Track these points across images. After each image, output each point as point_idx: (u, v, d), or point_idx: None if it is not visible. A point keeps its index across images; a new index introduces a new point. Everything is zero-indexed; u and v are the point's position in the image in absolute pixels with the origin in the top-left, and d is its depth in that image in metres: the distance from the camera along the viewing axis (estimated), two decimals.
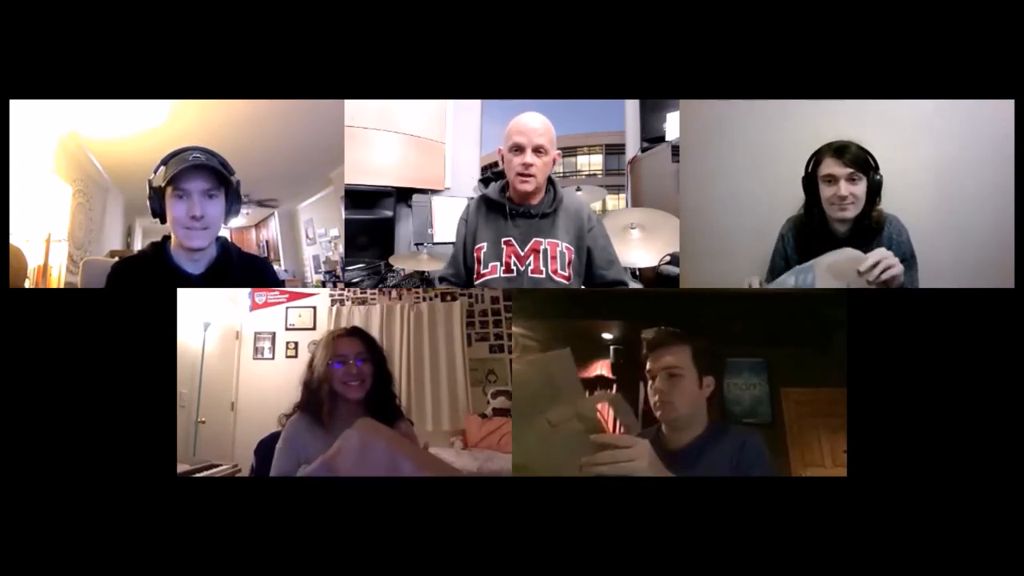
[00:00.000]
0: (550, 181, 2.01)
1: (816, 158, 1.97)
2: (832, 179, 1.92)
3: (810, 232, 2.05)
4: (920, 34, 1.75)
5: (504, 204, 1.99)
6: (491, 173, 2.10)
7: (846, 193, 1.90)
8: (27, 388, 1.64)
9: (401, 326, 3.80)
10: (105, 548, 1.60)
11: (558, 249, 1.96)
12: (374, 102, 3.76)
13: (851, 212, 1.93)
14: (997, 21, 1.73)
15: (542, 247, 1.96)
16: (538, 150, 1.91)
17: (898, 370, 1.69)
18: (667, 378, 1.51)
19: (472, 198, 2.16)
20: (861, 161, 1.90)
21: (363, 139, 3.80)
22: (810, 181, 1.99)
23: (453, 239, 2.16)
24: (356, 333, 1.72)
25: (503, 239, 1.98)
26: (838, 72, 1.79)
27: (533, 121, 1.93)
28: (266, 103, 3.41)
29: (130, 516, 1.62)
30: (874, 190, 1.93)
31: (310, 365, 1.70)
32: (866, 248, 1.97)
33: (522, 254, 1.97)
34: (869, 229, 1.96)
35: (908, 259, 1.96)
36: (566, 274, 1.97)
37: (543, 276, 1.95)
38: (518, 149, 1.91)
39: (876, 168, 1.93)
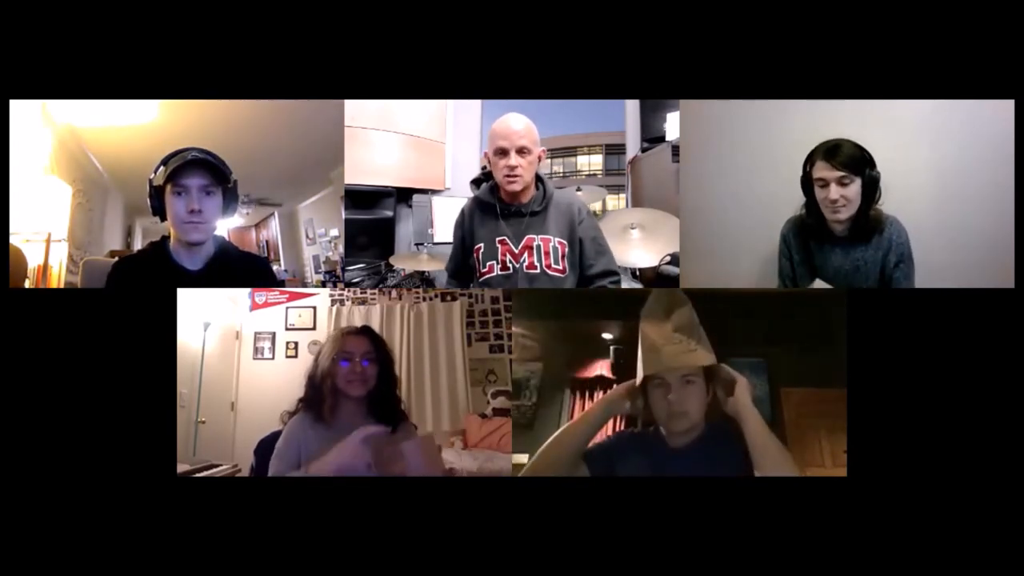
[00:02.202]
0: (539, 179, 2.04)
1: (810, 159, 1.97)
2: (823, 182, 1.92)
3: (810, 232, 2.05)
4: (920, 34, 1.75)
5: (495, 204, 2.03)
6: (481, 174, 2.13)
7: (836, 196, 1.90)
8: (27, 388, 1.64)
9: (401, 326, 3.80)
10: (105, 548, 1.60)
11: (551, 244, 1.99)
12: (374, 102, 3.76)
13: (843, 214, 1.93)
14: (997, 21, 1.73)
15: (535, 243, 2.00)
16: (521, 151, 1.94)
17: (898, 370, 1.69)
18: (683, 385, 1.44)
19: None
20: (853, 162, 1.89)
21: (363, 139, 3.80)
22: (807, 181, 1.99)
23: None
24: (366, 333, 1.71)
25: (497, 238, 2.02)
26: (838, 72, 1.79)
27: (515, 123, 1.96)
28: (266, 103, 3.41)
29: (130, 516, 1.62)
30: (870, 188, 1.92)
31: (316, 360, 1.69)
32: (865, 247, 1.98)
33: (516, 251, 2.00)
34: (867, 229, 1.96)
35: (906, 260, 1.97)
36: (560, 267, 2.00)
37: (538, 271, 1.99)
38: (502, 152, 1.95)
39: (872, 166, 1.92)
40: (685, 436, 1.47)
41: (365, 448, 1.47)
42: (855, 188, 1.90)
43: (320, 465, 1.49)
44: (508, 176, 1.96)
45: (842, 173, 1.89)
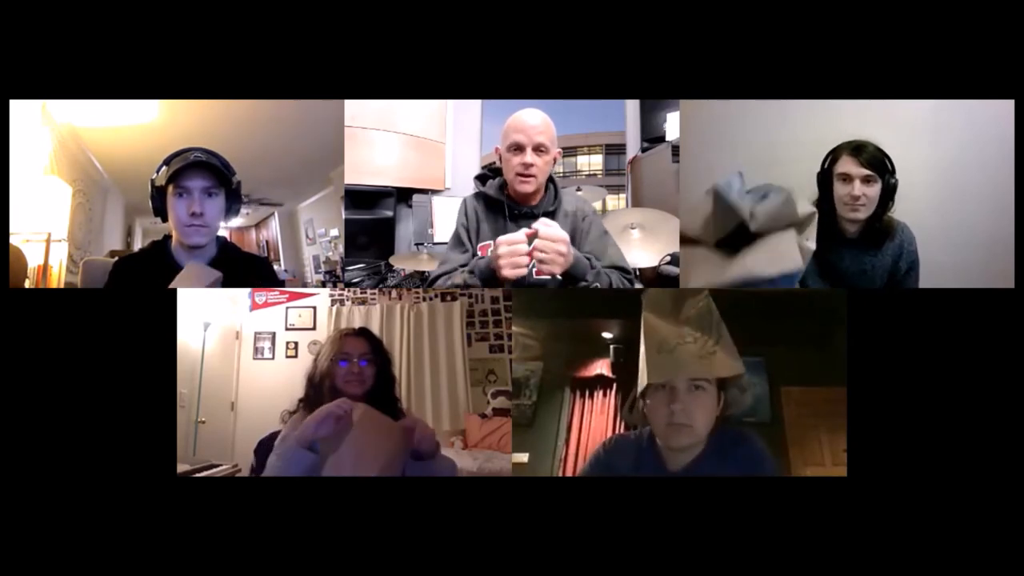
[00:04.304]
0: (550, 179, 1.93)
1: (833, 155, 1.96)
2: (847, 178, 1.92)
3: (819, 230, 2.04)
4: (920, 34, 1.75)
5: (503, 203, 1.92)
6: (488, 170, 2.01)
7: (859, 194, 1.90)
8: (27, 388, 1.64)
9: (401, 326, 3.80)
10: (105, 548, 1.60)
11: None
12: (374, 102, 3.76)
13: (862, 213, 1.92)
14: (997, 21, 1.73)
15: None
16: (539, 149, 1.82)
17: (898, 370, 1.69)
18: (690, 392, 1.28)
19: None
20: (878, 163, 1.90)
21: (363, 139, 3.80)
22: (824, 178, 1.98)
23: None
24: (364, 334, 1.72)
25: None
26: (838, 72, 1.79)
27: (532, 118, 1.84)
28: (266, 103, 3.41)
29: (130, 516, 1.62)
30: (888, 193, 1.92)
31: (315, 360, 1.70)
32: (875, 252, 1.97)
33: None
34: (878, 232, 1.96)
35: (915, 268, 1.97)
36: None
37: (548, 277, 1.86)
38: (518, 148, 1.82)
39: (892, 171, 1.92)
40: (685, 454, 1.35)
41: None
42: (876, 189, 1.90)
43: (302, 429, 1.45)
44: (522, 175, 1.83)
45: (868, 171, 1.89)
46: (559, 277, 1.76)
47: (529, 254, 1.63)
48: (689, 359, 1.27)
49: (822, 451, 2.31)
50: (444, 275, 1.93)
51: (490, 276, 1.71)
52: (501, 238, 1.69)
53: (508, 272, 1.65)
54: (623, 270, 1.91)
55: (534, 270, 1.86)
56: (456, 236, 1.99)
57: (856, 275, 1.98)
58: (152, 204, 1.73)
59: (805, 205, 1.74)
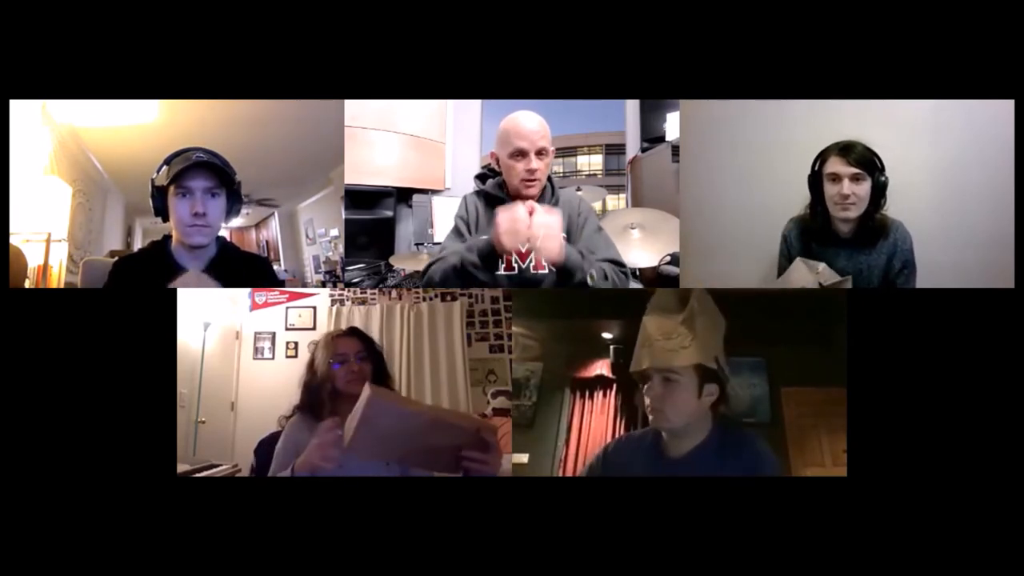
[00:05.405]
0: (547, 178, 1.96)
1: (822, 156, 1.97)
2: (836, 177, 1.92)
3: (813, 232, 2.04)
4: (920, 34, 1.75)
5: (504, 199, 1.93)
6: (487, 170, 2.03)
7: (848, 192, 1.90)
8: (27, 388, 1.64)
9: (401, 326, 3.79)
10: (105, 548, 1.60)
11: None
12: (374, 102, 3.76)
13: (853, 212, 1.93)
14: (997, 21, 1.73)
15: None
16: (540, 153, 1.84)
17: (898, 370, 1.69)
18: (662, 383, 1.39)
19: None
20: (866, 161, 1.90)
21: (363, 139, 3.80)
22: (815, 180, 1.99)
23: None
24: (354, 333, 1.75)
25: None
26: (838, 72, 1.79)
27: (531, 123, 1.85)
28: (266, 103, 3.41)
29: (130, 516, 1.62)
30: (879, 191, 1.92)
31: (310, 366, 1.71)
32: (869, 251, 1.98)
33: (523, 251, 1.90)
34: (872, 231, 1.96)
35: (909, 267, 1.97)
36: None
37: (545, 271, 1.91)
38: (521, 154, 1.84)
39: (882, 169, 1.92)
40: (680, 441, 1.42)
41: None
42: (866, 187, 1.91)
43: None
44: (527, 180, 1.85)
45: (856, 170, 1.90)
46: (552, 270, 1.83)
47: (527, 234, 1.68)
48: (660, 353, 1.39)
49: (822, 451, 2.31)
50: (439, 260, 1.93)
51: (489, 252, 1.74)
52: (501, 208, 1.73)
53: (506, 239, 1.69)
54: (618, 263, 1.93)
55: (531, 264, 1.88)
56: (455, 228, 2.01)
57: (853, 275, 1.98)
58: (153, 204, 1.73)
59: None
